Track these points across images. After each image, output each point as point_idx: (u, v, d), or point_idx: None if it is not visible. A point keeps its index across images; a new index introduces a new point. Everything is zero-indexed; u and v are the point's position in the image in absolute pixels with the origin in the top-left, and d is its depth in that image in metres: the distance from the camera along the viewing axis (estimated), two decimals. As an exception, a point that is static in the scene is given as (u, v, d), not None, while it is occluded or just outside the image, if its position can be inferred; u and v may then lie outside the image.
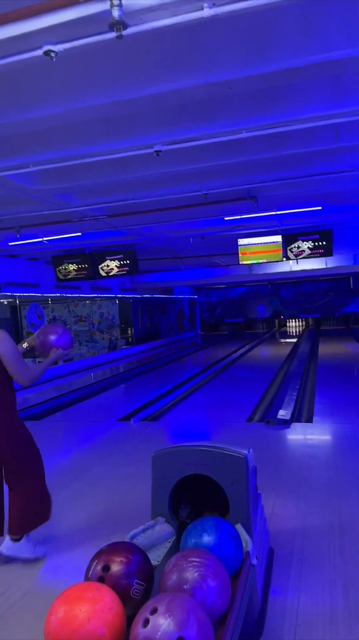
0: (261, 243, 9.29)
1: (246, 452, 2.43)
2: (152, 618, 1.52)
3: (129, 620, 1.70)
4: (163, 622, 1.49)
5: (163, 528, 2.38)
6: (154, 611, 1.53)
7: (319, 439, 5.44)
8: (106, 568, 1.85)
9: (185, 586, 1.73)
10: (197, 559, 1.81)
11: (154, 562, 2.16)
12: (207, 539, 2.02)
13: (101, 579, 1.83)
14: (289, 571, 2.76)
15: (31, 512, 2.96)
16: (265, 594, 2.53)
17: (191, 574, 1.76)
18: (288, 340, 18.85)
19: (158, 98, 3.44)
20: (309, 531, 3.22)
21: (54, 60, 2.57)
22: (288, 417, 6.22)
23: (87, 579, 1.89)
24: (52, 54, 2.53)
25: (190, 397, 8.27)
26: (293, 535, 3.16)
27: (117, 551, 1.91)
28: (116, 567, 1.85)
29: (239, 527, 2.24)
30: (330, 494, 3.82)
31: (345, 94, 3.85)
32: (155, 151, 4.24)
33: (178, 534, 2.37)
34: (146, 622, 1.52)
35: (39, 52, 2.55)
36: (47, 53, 2.53)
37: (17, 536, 2.95)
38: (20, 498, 2.92)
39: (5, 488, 2.99)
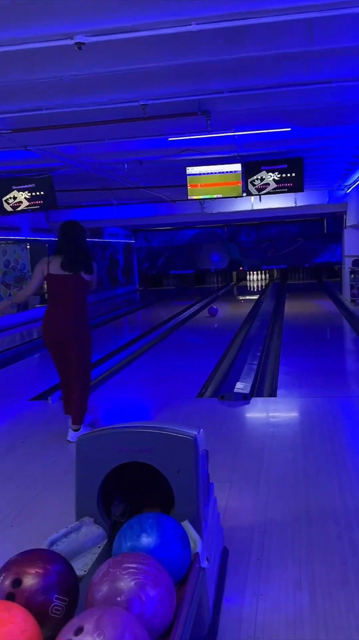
0: (215, 173, 9.26)
1: (195, 432, 2.48)
2: (76, 639, 1.54)
3: (48, 643, 1.74)
4: (91, 643, 1.53)
5: (90, 530, 2.41)
6: (79, 631, 1.55)
7: (285, 417, 5.67)
8: (17, 582, 1.85)
9: (119, 598, 1.76)
10: (134, 565, 1.84)
11: (79, 573, 2.19)
12: (147, 540, 2.06)
13: (10, 596, 1.83)
14: (246, 573, 2.90)
15: (86, 405, 5.07)
16: (217, 602, 2.64)
17: (126, 583, 1.79)
18: (248, 297, 19.38)
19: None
20: (270, 525, 3.38)
21: None
22: (246, 390, 6.43)
23: (-8, 596, 1.91)
24: None
25: (125, 368, 8.34)
26: (252, 531, 3.31)
27: (30, 561, 1.91)
28: (30, 581, 1.85)
29: (186, 525, 2.30)
30: (296, 479, 4.02)
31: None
32: (76, 43, 4.04)
33: (111, 537, 2.41)
34: (70, 644, 1.55)
35: None
36: None
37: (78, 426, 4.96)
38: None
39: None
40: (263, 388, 6.83)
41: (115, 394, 6.95)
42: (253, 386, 6.75)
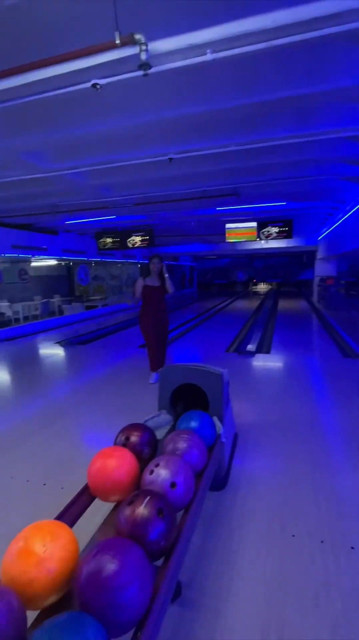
0: (241, 227, 9.06)
1: (222, 370, 2.40)
2: (155, 469, 1.62)
3: (141, 471, 1.77)
4: (162, 472, 1.61)
5: (165, 416, 2.40)
6: (157, 465, 1.63)
7: (274, 365, 5.25)
8: (127, 438, 1.90)
9: (177, 452, 1.82)
10: (186, 435, 1.88)
11: (159, 437, 2.20)
12: (193, 424, 2.07)
13: (124, 445, 1.89)
14: (246, 448, 2.84)
15: (164, 361, 4.47)
16: (230, 461, 2.60)
17: (181, 444, 1.83)
18: (257, 297, 18.66)
19: (172, 120, 3.30)
20: (262, 423, 3.25)
21: (99, 90, 2.46)
22: (253, 349, 6.07)
23: (115, 444, 1.95)
24: (98, 87, 2.41)
25: (188, 334, 8.18)
26: (251, 425, 3.21)
27: (134, 428, 1.94)
28: (134, 438, 1.88)
29: (215, 418, 2.28)
30: (277, 400, 3.78)
31: (307, 120, 3.68)
32: (169, 158, 4.10)
33: (175, 421, 2.40)
34: (151, 472, 1.63)
35: (88, 85, 2.44)
36: (94, 86, 2.41)
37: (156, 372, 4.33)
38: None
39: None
40: (263, 348, 6.28)
41: (182, 346, 6.73)
42: (257, 347, 6.30)
